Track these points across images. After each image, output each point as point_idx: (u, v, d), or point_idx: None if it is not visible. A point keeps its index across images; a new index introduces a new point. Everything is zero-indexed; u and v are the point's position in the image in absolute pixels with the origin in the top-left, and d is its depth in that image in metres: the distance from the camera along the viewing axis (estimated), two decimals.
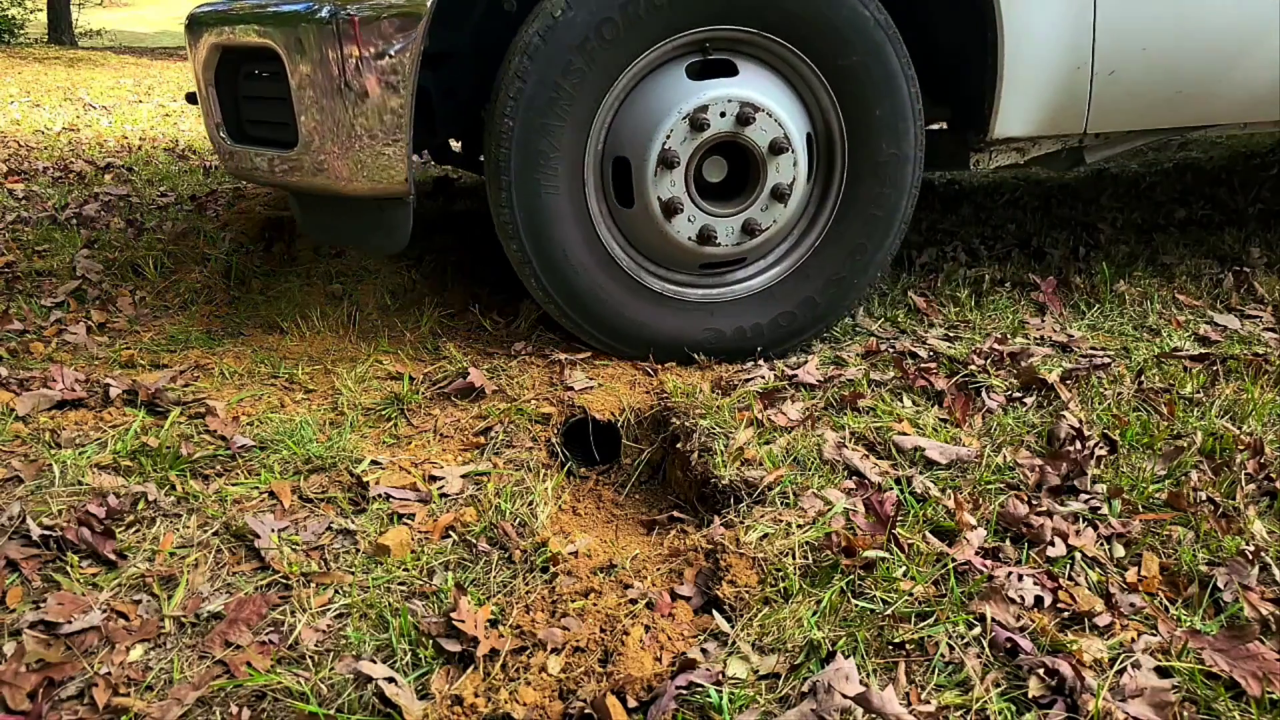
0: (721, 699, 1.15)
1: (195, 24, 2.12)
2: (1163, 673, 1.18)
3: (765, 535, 1.45)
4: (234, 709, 1.17)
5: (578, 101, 1.91)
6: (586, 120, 1.94)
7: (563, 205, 1.98)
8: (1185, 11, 2.11)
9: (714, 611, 1.33)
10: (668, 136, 1.93)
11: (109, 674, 1.21)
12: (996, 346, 2.14)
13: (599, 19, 1.85)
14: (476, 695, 1.18)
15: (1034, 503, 1.54)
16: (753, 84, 1.97)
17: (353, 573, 1.43)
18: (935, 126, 2.60)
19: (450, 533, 1.54)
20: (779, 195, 2.01)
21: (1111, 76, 2.10)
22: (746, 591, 1.35)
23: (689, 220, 2.01)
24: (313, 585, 1.40)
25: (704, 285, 2.14)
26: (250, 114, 2.15)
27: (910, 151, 2.06)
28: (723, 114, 1.94)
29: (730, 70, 1.98)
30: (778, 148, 1.98)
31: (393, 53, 1.81)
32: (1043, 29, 2.03)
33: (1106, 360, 2.06)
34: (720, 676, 1.19)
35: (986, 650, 1.23)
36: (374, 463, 1.71)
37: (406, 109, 1.85)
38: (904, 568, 1.36)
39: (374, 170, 1.91)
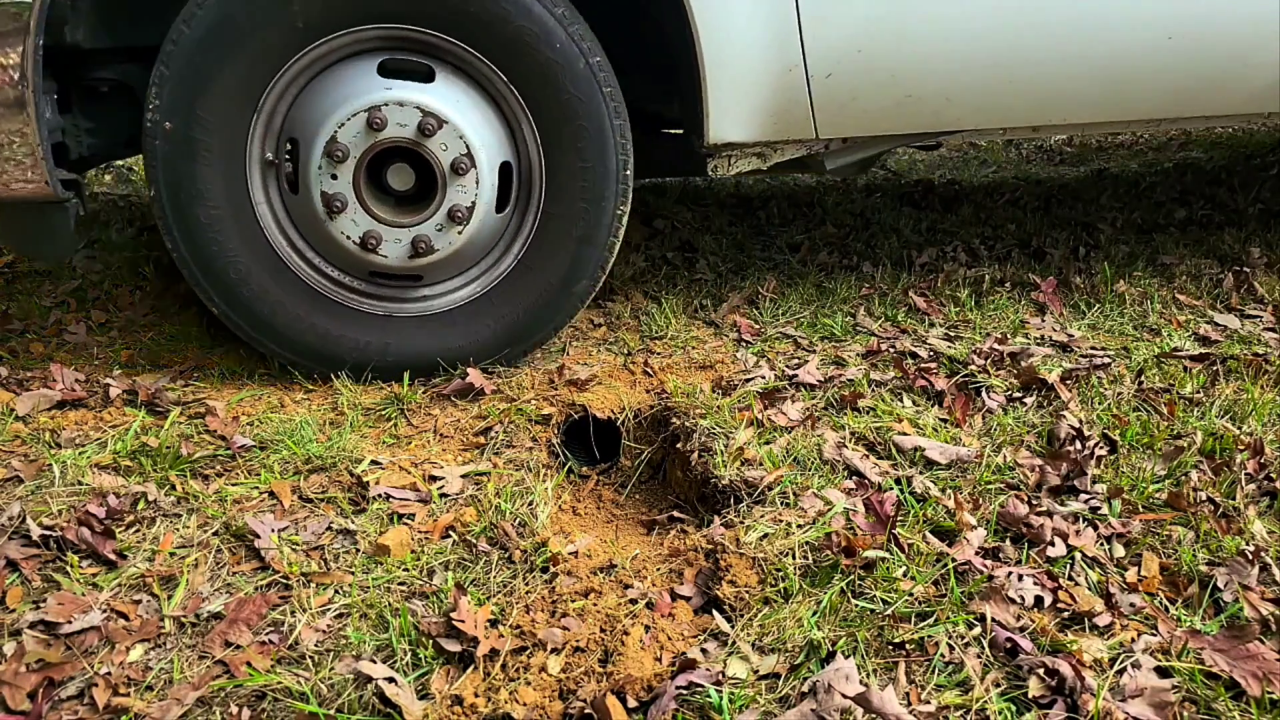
0: (721, 699, 1.15)
1: None
2: (1163, 673, 1.18)
3: (765, 535, 1.45)
4: (234, 709, 1.17)
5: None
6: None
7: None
8: (900, 13, 1.99)
9: (714, 611, 1.33)
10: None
11: (109, 674, 1.21)
12: (996, 346, 2.14)
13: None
14: (476, 695, 1.18)
15: (1034, 503, 1.54)
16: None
17: (353, 573, 1.43)
18: (675, 131, 2.53)
19: (450, 533, 1.54)
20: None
21: (830, 79, 2.00)
22: (746, 591, 1.35)
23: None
24: (313, 585, 1.40)
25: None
26: None
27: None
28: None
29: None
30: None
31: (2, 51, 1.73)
32: (741, 27, 1.92)
33: (1106, 360, 2.06)
34: (720, 676, 1.19)
35: (986, 650, 1.23)
36: (374, 463, 1.71)
37: (29, 107, 1.75)
38: (904, 568, 1.37)
39: (10, 173, 1.81)
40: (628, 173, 1.97)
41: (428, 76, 1.88)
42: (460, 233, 1.92)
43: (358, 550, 1.48)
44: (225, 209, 1.90)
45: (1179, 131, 4.78)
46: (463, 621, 1.28)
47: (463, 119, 1.87)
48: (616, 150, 1.94)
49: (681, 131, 2.39)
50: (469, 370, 2.01)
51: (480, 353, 2.05)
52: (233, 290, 1.94)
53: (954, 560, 1.37)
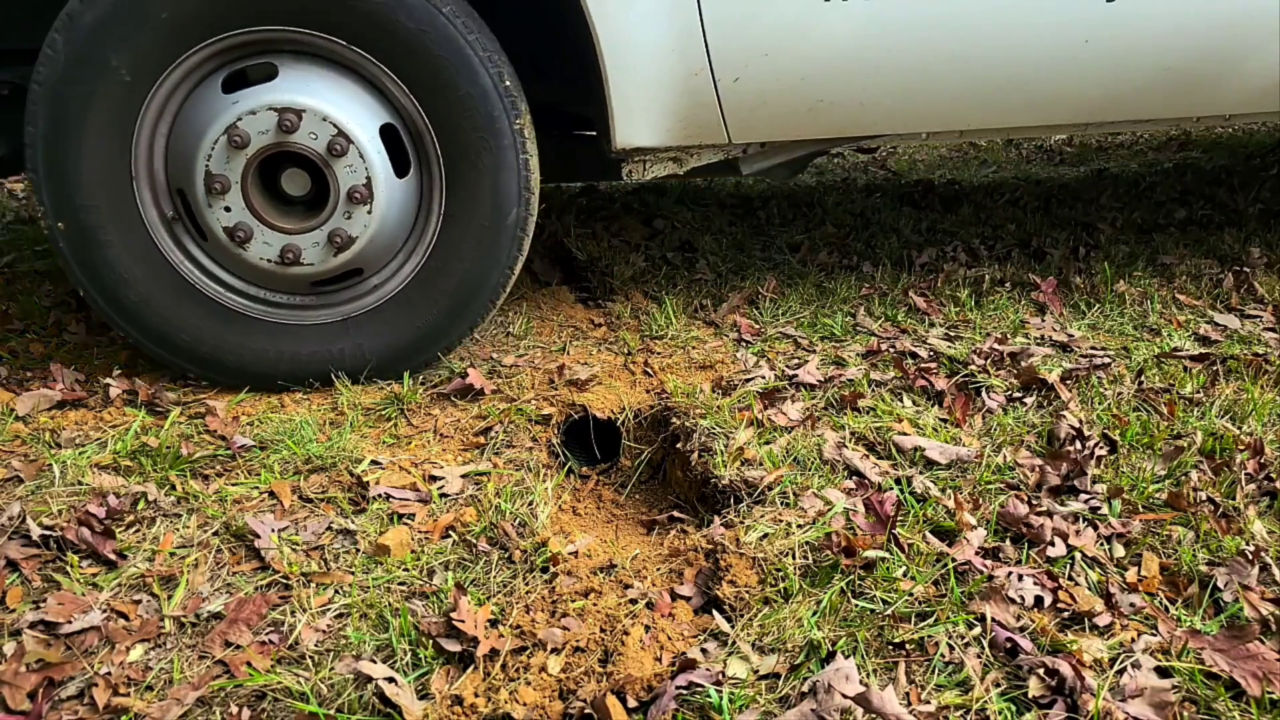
0: (721, 699, 1.15)
1: None
2: (1163, 673, 1.18)
3: (765, 535, 1.45)
4: (234, 709, 1.17)
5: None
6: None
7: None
8: (806, 17, 1.93)
9: (714, 611, 1.33)
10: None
11: (109, 674, 1.21)
12: (996, 346, 2.14)
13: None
14: (476, 695, 1.18)
15: (1034, 503, 1.54)
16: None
17: (353, 573, 1.43)
18: (591, 134, 2.49)
19: (450, 533, 1.54)
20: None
21: (738, 84, 1.95)
22: (746, 591, 1.35)
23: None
24: (313, 585, 1.40)
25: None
26: None
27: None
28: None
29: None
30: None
31: None
32: (642, 30, 1.87)
33: (1106, 360, 2.06)
34: (720, 676, 1.19)
35: (986, 650, 1.23)
36: (374, 463, 1.71)
37: None
38: (904, 568, 1.37)
39: None
40: (520, 124, 1.89)
41: (272, 74, 1.83)
42: (370, 211, 1.86)
43: (358, 550, 1.48)
44: (153, 284, 1.89)
45: (1179, 131, 4.78)
46: (463, 621, 1.28)
47: (321, 101, 1.80)
48: (502, 97, 1.85)
49: (595, 134, 2.34)
50: (469, 370, 2.01)
51: (449, 319, 2.00)
52: (193, 352, 1.94)
53: (954, 560, 1.37)
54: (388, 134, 1.88)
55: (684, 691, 1.17)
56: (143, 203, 1.86)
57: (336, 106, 1.82)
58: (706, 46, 1.90)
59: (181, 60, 1.79)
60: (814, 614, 1.29)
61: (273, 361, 1.96)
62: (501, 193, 1.92)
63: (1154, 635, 1.25)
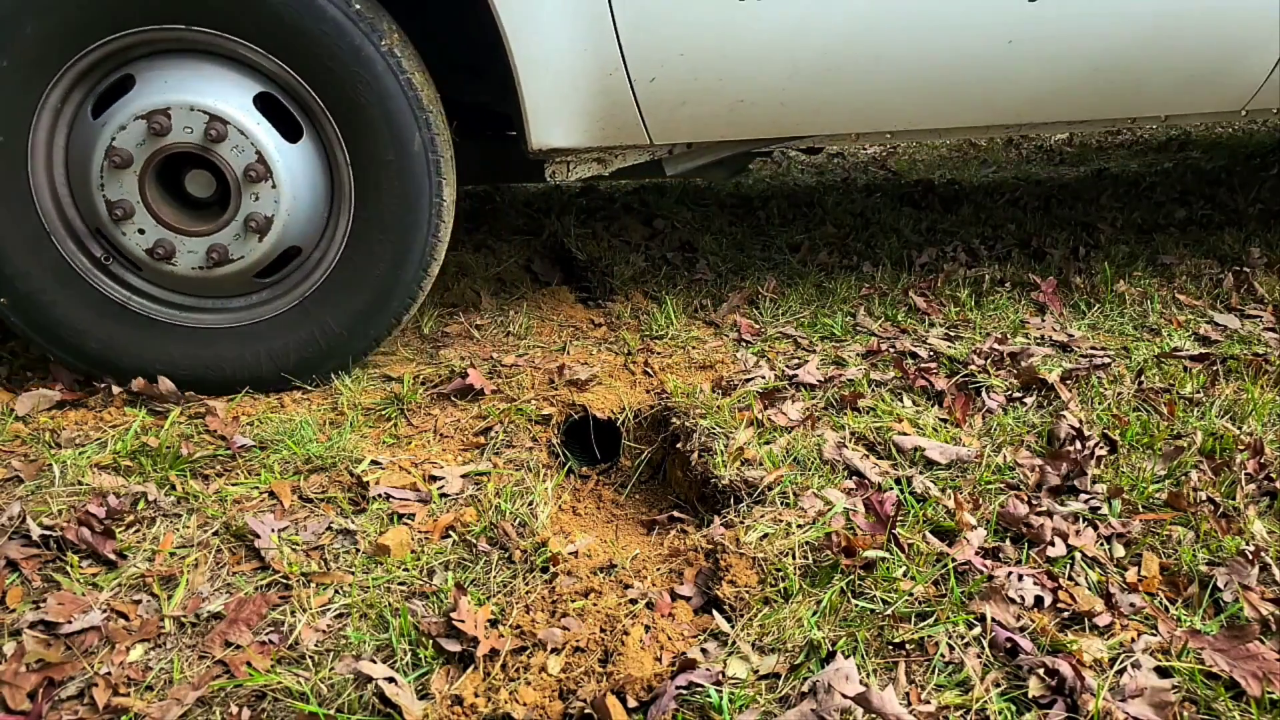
0: (721, 699, 1.15)
1: None
2: (1163, 673, 1.18)
3: (765, 535, 1.45)
4: (234, 709, 1.17)
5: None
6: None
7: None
8: (721, 17, 1.89)
9: (714, 611, 1.33)
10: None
11: (109, 674, 1.21)
12: (996, 346, 2.14)
13: None
14: (476, 695, 1.18)
15: (1034, 503, 1.54)
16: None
17: (353, 573, 1.43)
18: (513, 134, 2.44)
19: (450, 533, 1.54)
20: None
21: (655, 84, 1.91)
22: (746, 591, 1.35)
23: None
24: (313, 585, 1.40)
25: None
26: None
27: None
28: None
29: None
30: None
31: None
32: (552, 30, 1.83)
33: (1106, 360, 2.06)
34: (720, 676, 1.19)
35: (986, 650, 1.23)
36: (374, 463, 1.71)
37: None
38: (904, 568, 1.37)
39: None
40: (387, 44, 1.79)
41: (126, 83, 1.78)
42: (274, 185, 1.80)
43: (358, 550, 1.48)
44: (110, 327, 1.88)
45: (1179, 131, 4.78)
46: (463, 621, 1.28)
47: (185, 93, 1.75)
48: (356, 21, 1.76)
49: (515, 134, 2.29)
50: (469, 370, 2.02)
51: (398, 264, 1.92)
52: (176, 378, 1.91)
53: (954, 560, 1.38)
54: (268, 104, 1.82)
55: (684, 691, 1.17)
56: (69, 253, 1.84)
57: (201, 92, 1.76)
58: (620, 46, 1.86)
59: (44, 100, 1.74)
60: (814, 614, 1.29)
61: (252, 365, 1.94)
62: (396, 123, 1.83)
63: (1154, 635, 1.25)
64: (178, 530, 1.51)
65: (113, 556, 1.43)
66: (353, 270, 1.92)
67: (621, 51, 1.87)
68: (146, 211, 1.80)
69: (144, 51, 1.77)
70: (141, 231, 1.81)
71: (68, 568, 1.40)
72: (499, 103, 2.22)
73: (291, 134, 1.84)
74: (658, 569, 1.46)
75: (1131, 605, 1.32)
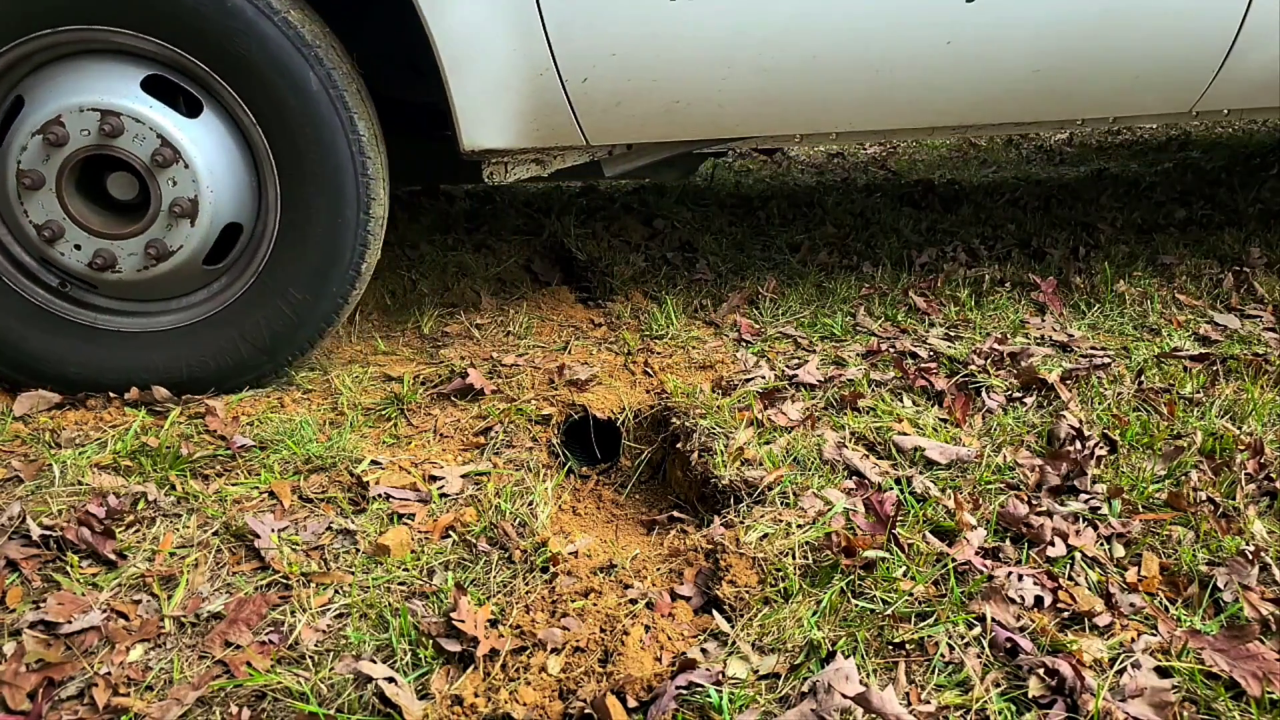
0: (721, 699, 1.15)
1: None
2: (1163, 673, 1.18)
3: (765, 535, 1.45)
4: (234, 709, 1.17)
5: None
6: None
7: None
8: (652, 17, 1.85)
9: (714, 611, 1.33)
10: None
11: (109, 674, 1.21)
12: (996, 346, 2.14)
13: None
14: (476, 695, 1.18)
15: (1034, 503, 1.54)
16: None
17: (353, 573, 1.43)
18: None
19: (450, 533, 1.54)
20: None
21: (588, 84, 1.89)
22: (746, 591, 1.35)
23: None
24: (313, 585, 1.40)
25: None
26: None
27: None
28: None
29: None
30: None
31: None
32: (479, 28, 1.80)
33: (1106, 360, 2.06)
34: (720, 676, 1.19)
35: (986, 650, 1.23)
36: (374, 463, 1.71)
37: None
38: (904, 568, 1.37)
39: None
40: (298, 29, 1.77)
41: (17, 105, 1.76)
42: (186, 165, 1.76)
43: (358, 550, 1.48)
44: (86, 352, 1.88)
45: (1179, 131, 4.78)
46: (463, 621, 1.28)
47: (74, 97, 1.72)
48: (269, 15, 1.74)
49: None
50: (469, 370, 2.02)
51: (331, 212, 1.88)
52: (171, 384, 1.91)
53: (954, 560, 1.37)
54: (162, 87, 1.78)
55: (684, 691, 1.17)
56: (25, 290, 1.85)
57: (88, 91, 1.73)
58: (550, 46, 1.84)
59: None
60: (814, 614, 1.29)
61: (233, 352, 1.92)
62: (284, 67, 1.77)
63: (1154, 635, 1.25)
64: (178, 530, 1.51)
65: (113, 556, 1.43)
66: (297, 231, 1.88)
67: (551, 51, 1.84)
68: (75, 226, 1.78)
69: (26, 70, 1.76)
70: (78, 247, 1.80)
71: (68, 568, 1.40)
72: (443, 101, 2.19)
73: (193, 110, 1.80)
74: (658, 569, 1.46)
75: (1131, 605, 1.32)
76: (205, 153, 1.79)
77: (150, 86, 1.77)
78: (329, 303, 1.94)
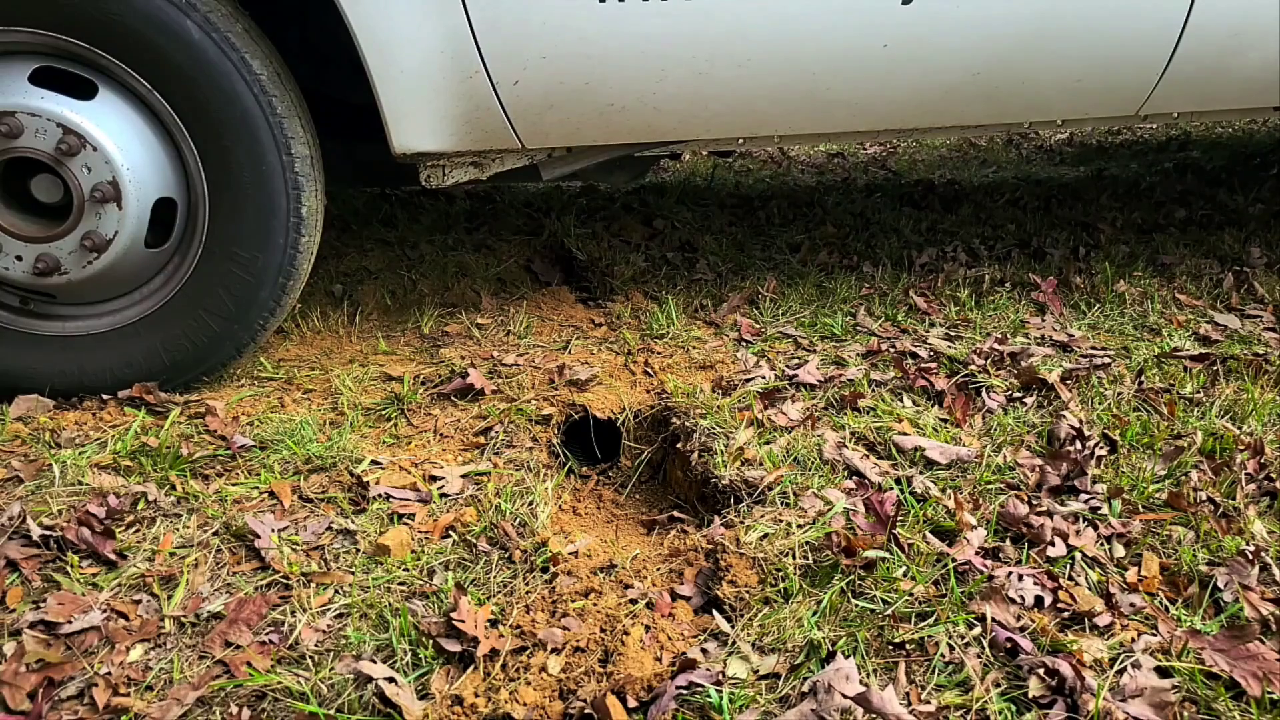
0: (721, 699, 1.15)
1: None
2: (1163, 673, 1.18)
3: (765, 535, 1.45)
4: (234, 709, 1.17)
5: None
6: None
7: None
8: (581, 19, 1.82)
9: (714, 611, 1.33)
10: None
11: (109, 674, 1.21)
12: (997, 346, 2.14)
13: None
14: (476, 695, 1.18)
15: (1034, 503, 1.54)
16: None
17: (353, 573, 1.43)
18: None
19: (450, 533, 1.54)
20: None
21: (519, 87, 1.86)
22: (746, 591, 1.35)
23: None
24: (313, 585, 1.40)
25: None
26: None
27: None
28: None
29: None
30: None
31: None
32: (405, 30, 1.77)
33: (1106, 360, 2.06)
34: (720, 676, 1.19)
35: (986, 650, 1.23)
36: (374, 463, 1.71)
37: None
38: (904, 568, 1.37)
39: None
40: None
41: None
42: (94, 149, 1.73)
43: (358, 550, 1.48)
44: (74, 360, 1.88)
45: (1179, 131, 4.78)
46: (463, 621, 1.28)
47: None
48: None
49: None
50: (469, 370, 2.02)
51: (266, 181, 1.84)
52: (171, 372, 1.91)
53: (954, 560, 1.38)
54: (55, 77, 1.75)
55: (684, 691, 1.17)
56: None
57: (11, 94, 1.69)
58: (479, 48, 1.81)
59: None
60: (814, 614, 1.29)
61: (206, 330, 1.89)
62: (165, 28, 1.72)
63: (1154, 635, 1.25)
64: (178, 530, 1.51)
65: (113, 556, 1.43)
66: (226, 189, 1.83)
67: (480, 54, 1.81)
68: (10, 237, 1.76)
69: None
70: (19, 258, 1.77)
71: (68, 568, 1.40)
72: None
73: (89, 92, 1.76)
74: (658, 569, 1.46)
75: (1131, 605, 1.32)
76: (112, 132, 1.74)
77: (41, 79, 1.73)
78: (279, 254, 1.89)
